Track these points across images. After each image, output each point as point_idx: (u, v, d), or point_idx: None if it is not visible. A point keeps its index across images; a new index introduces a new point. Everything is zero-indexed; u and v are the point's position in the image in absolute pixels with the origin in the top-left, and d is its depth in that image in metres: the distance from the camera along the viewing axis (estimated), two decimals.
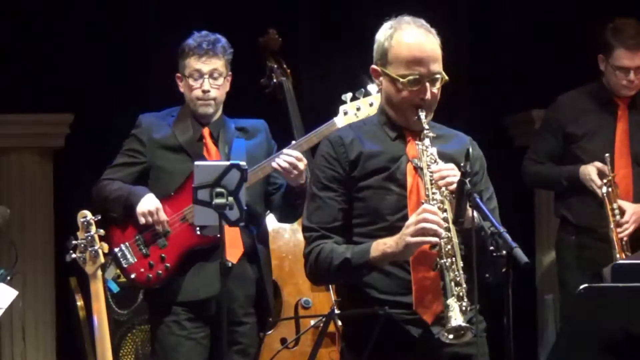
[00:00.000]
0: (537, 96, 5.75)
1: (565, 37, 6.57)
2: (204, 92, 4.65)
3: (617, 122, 5.22)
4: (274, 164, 4.53)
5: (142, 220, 4.54)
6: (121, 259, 4.61)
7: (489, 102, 6.59)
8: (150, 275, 4.59)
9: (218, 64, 4.66)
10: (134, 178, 4.69)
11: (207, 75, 4.64)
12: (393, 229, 3.36)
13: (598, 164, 5.07)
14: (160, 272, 4.58)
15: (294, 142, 4.62)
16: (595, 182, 5.06)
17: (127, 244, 4.61)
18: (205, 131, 4.70)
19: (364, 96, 4.50)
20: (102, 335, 4.45)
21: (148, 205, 4.55)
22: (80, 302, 5.36)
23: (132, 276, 4.61)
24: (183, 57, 4.69)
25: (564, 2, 6.65)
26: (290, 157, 4.50)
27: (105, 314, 4.46)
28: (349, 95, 4.53)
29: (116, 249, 4.62)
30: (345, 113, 4.54)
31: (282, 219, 4.78)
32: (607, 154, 5.07)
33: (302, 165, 4.50)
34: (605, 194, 5.04)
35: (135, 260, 4.60)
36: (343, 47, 6.03)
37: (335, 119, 4.56)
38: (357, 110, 4.53)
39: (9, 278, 4.84)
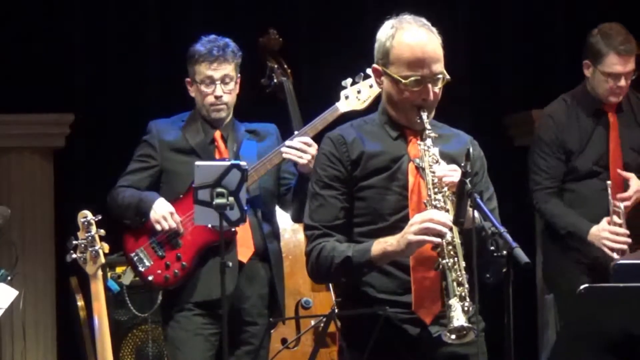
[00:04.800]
0: (537, 96, 5.75)
1: (566, 37, 6.58)
2: (217, 97, 4.67)
3: (609, 131, 5.12)
4: (284, 154, 4.54)
5: (158, 227, 4.55)
6: (137, 264, 4.63)
7: (489, 102, 6.59)
8: (168, 275, 4.60)
9: (229, 68, 4.68)
10: (147, 183, 4.69)
11: (219, 81, 4.66)
12: (394, 229, 3.36)
13: (612, 229, 4.94)
14: (177, 271, 4.59)
15: (296, 132, 4.63)
16: (611, 244, 4.94)
17: (142, 248, 4.63)
18: (217, 134, 4.72)
19: (363, 79, 4.52)
20: (103, 335, 4.44)
21: (161, 211, 4.56)
22: (80, 302, 5.37)
23: (150, 278, 4.62)
24: (193, 63, 4.69)
25: (563, 1, 6.65)
26: (298, 143, 4.52)
27: (106, 314, 4.46)
28: (349, 80, 4.56)
29: (132, 254, 4.63)
30: (347, 97, 4.57)
31: (297, 216, 4.76)
32: (609, 183, 4.96)
33: (312, 150, 4.50)
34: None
35: (152, 263, 4.61)
36: (344, 47, 6.04)
37: (337, 104, 4.59)
38: (357, 93, 4.56)
39: (9, 278, 4.83)
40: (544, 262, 5.35)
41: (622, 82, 5.03)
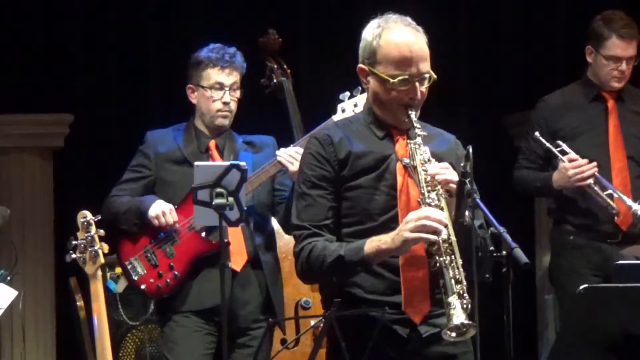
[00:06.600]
0: (537, 96, 5.75)
1: (566, 37, 6.58)
2: (225, 104, 4.68)
3: (608, 116, 5.20)
4: (277, 157, 4.55)
5: (156, 222, 4.54)
6: (131, 272, 4.63)
7: (489, 102, 6.59)
8: (160, 285, 4.60)
9: (237, 77, 4.72)
10: (140, 192, 4.69)
11: (228, 88, 4.67)
12: (383, 229, 3.35)
13: (575, 160, 5.05)
14: (169, 280, 4.59)
15: (292, 145, 4.64)
16: (581, 176, 5.03)
17: (136, 256, 4.63)
18: (212, 143, 4.72)
19: (360, 93, 4.53)
20: (102, 335, 4.44)
21: (161, 206, 4.56)
22: (80, 302, 5.35)
23: (142, 287, 4.62)
24: (201, 68, 4.70)
25: (564, 2, 6.65)
26: (291, 150, 4.54)
27: (105, 314, 4.45)
28: (347, 94, 4.56)
29: (126, 262, 4.63)
30: (343, 110, 4.57)
31: (288, 229, 4.76)
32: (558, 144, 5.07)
33: None
34: (590, 184, 5.02)
35: (145, 271, 4.61)
36: (343, 47, 6.02)
37: (333, 117, 4.59)
38: (354, 106, 4.56)
39: (9, 278, 4.83)
40: (551, 261, 5.38)
41: (623, 67, 5.12)
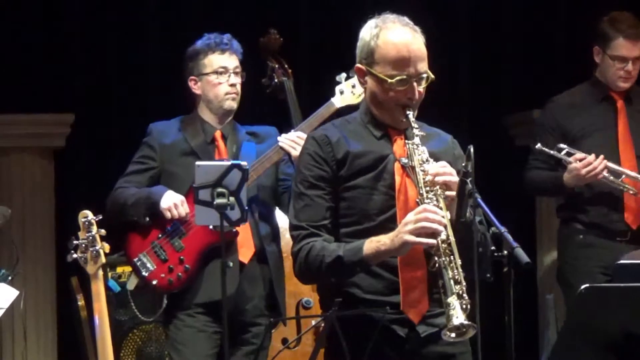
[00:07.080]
0: (537, 96, 5.76)
1: (565, 37, 6.58)
2: (232, 85, 4.68)
3: (618, 117, 5.25)
4: (279, 143, 4.55)
5: (168, 214, 4.53)
6: (141, 268, 4.62)
7: (489, 102, 6.59)
8: (172, 279, 4.59)
9: (237, 61, 4.74)
10: (146, 184, 4.68)
11: (232, 71, 4.69)
12: (381, 229, 3.35)
13: (583, 159, 5.06)
14: (180, 274, 4.58)
15: (292, 130, 4.63)
16: (593, 173, 5.04)
17: (144, 252, 4.62)
18: (217, 133, 4.73)
19: None
20: (103, 335, 4.44)
21: (173, 198, 4.55)
22: (81, 302, 5.36)
23: (154, 283, 4.61)
24: (202, 56, 4.70)
25: (564, 2, 6.66)
26: (293, 135, 4.53)
27: (107, 314, 4.45)
28: (343, 75, 4.57)
29: (135, 259, 4.62)
30: (342, 92, 4.58)
31: None
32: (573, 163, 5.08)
33: None
34: (604, 176, 5.06)
35: (155, 267, 4.61)
36: (343, 47, 6.03)
37: (332, 99, 4.60)
38: (352, 87, 4.57)
39: (10, 278, 4.83)
40: (559, 260, 5.40)
41: (630, 67, 5.19)
